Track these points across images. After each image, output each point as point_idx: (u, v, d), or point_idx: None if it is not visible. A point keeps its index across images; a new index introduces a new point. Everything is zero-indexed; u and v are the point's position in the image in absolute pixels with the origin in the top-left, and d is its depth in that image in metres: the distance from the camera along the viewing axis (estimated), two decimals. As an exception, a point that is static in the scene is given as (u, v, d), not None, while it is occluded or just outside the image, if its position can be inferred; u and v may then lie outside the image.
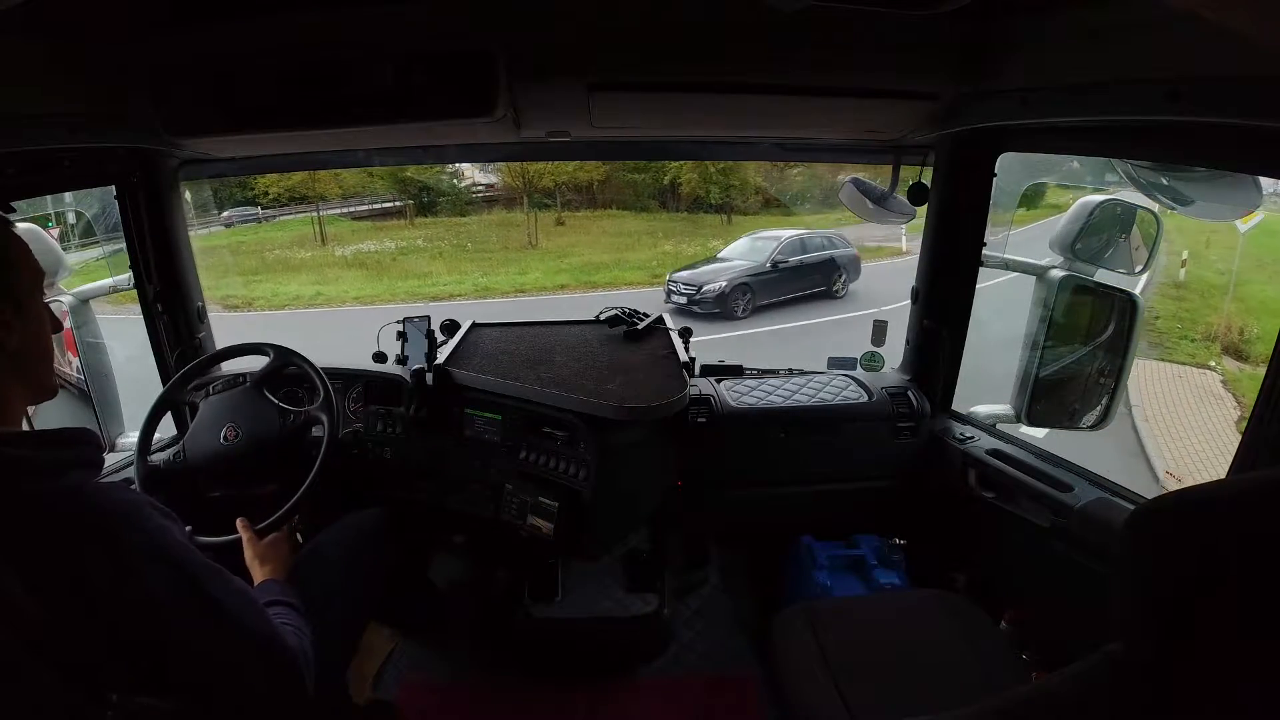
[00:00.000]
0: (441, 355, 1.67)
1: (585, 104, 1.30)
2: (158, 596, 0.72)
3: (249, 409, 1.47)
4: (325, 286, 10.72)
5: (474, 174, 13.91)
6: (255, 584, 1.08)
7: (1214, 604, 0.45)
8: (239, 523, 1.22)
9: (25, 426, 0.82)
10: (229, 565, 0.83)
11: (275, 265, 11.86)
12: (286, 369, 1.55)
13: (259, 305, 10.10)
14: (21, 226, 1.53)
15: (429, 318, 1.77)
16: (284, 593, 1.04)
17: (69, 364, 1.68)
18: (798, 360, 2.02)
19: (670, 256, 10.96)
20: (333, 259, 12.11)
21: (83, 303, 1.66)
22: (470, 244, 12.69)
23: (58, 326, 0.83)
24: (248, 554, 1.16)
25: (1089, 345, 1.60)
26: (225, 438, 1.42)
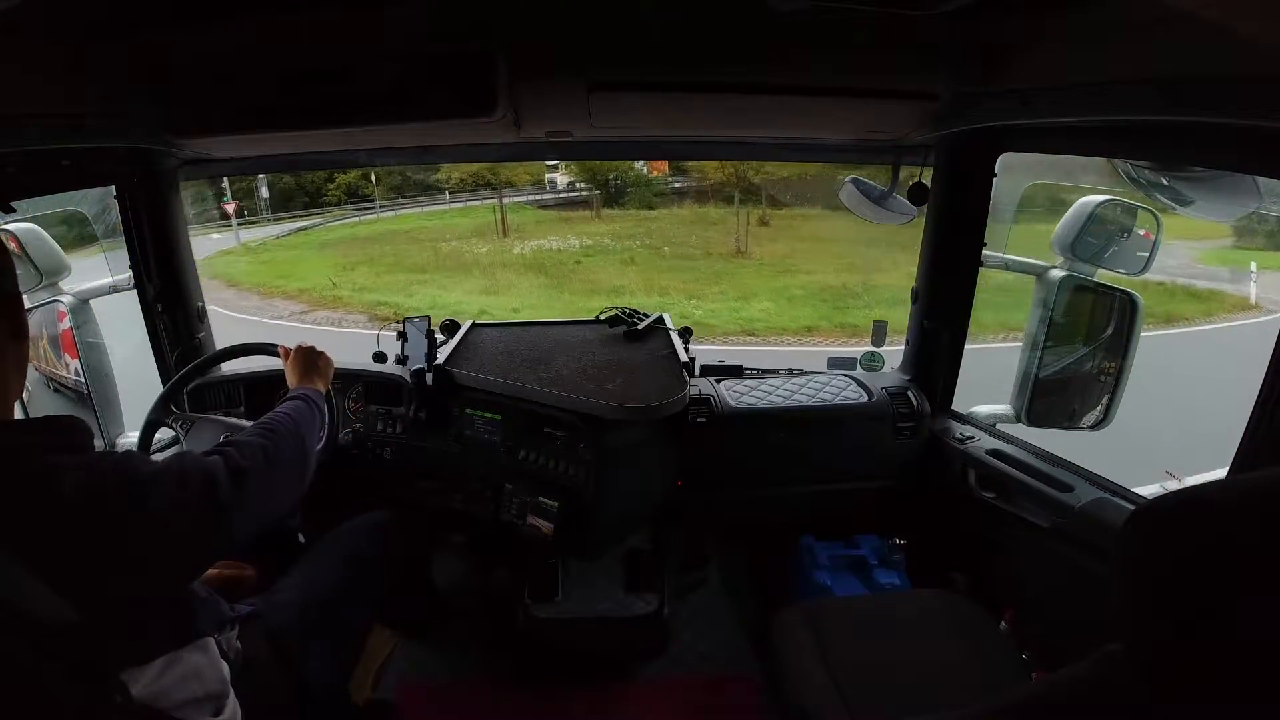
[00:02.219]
0: (441, 355, 1.67)
1: (585, 104, 1.30)
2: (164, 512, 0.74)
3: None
4: (494, 297, 8.97)
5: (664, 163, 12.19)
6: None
7: (1214, 604, 0.45)
8: (279, 347, 1.42)
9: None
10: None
11: (447, 259, 10.39)
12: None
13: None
14: (22, 226, 1.53)
15: (429, 318, 1.77)
16: (304, 391, 1.19)
17: (66, 366, 1.68)
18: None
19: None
20: (510, 258, 10.49)
21: (83, 303, 1.66)
22: (666, 247, 10.58)
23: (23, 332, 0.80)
24: (288, 374, 1.33)
25: (1089, 345, 1.60)
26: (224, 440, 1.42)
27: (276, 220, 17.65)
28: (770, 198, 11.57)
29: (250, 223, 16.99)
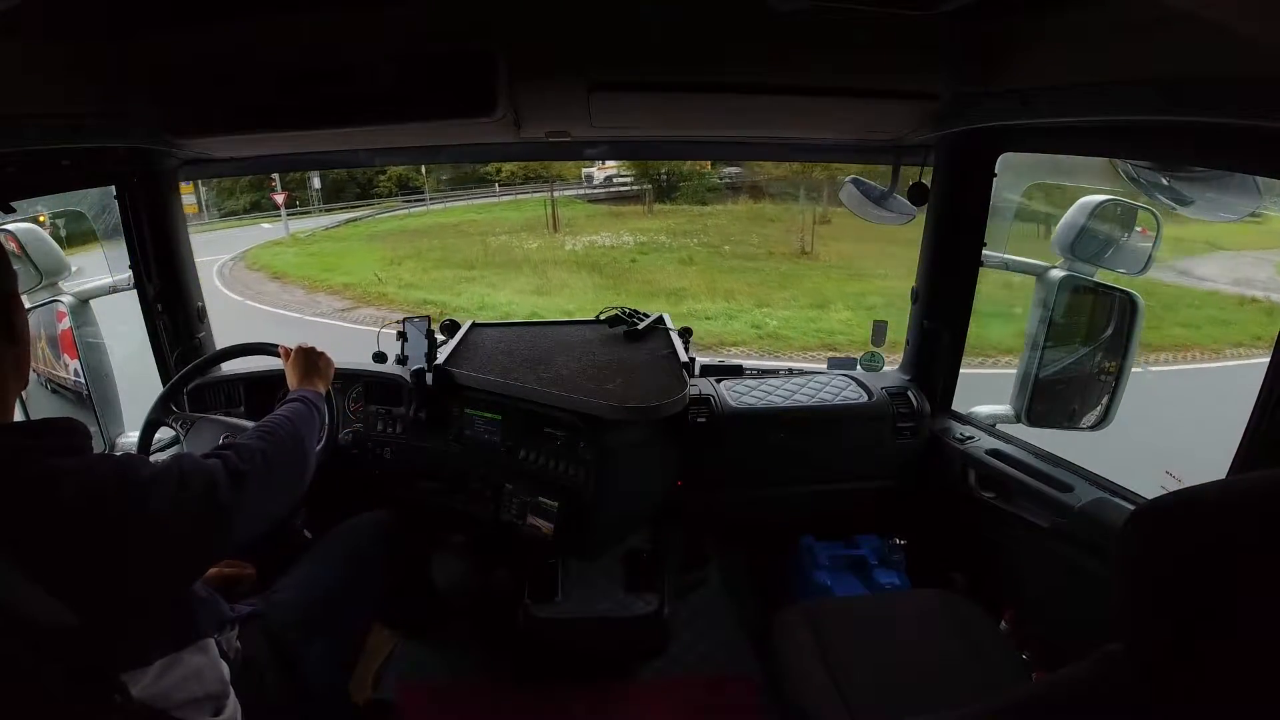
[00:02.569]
0: (441, 355, 1.67)
1: (585, 104, 1.30)
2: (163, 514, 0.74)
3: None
4: (545, 298, 8.27)
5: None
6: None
7: (1214, 604, 0.45)
8: (280, 347, 1.42)
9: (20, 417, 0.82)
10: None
11: (496, 255, 9.86)
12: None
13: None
14: (22, 226, 1.53)
15: (429, 318, 1.77)
16: (303, 393, 1.19)
17: (65, 367, 1.68)
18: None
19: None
20: (561, 255, 9.93)
21: (82, 303, 1.66)
22: (726, 245, 9.80)
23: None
24: (289, 375, 1.33)
25: (1089, 345, 1.60)
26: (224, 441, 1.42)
27: (328, 211, 17.77)
28: (832, 194, 10.86)
29: (301, 213, 17.11)
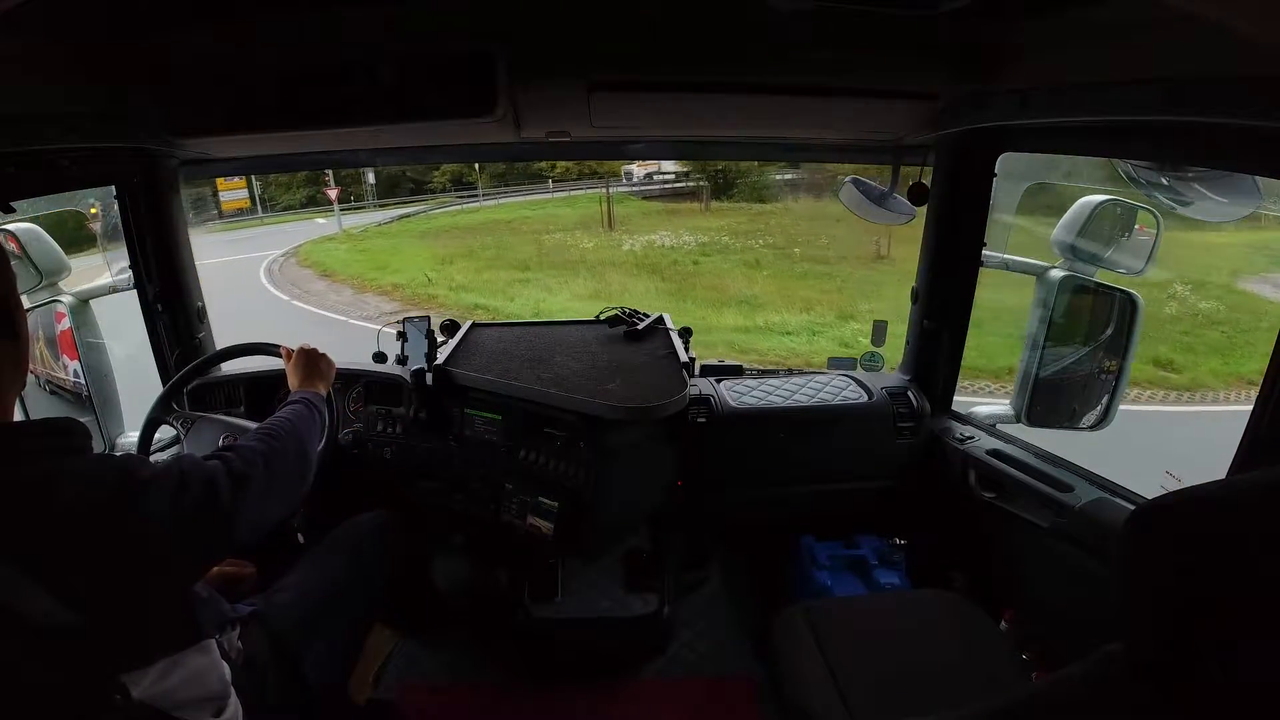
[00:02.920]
0: (441, 355, 1.67)
1: (585, 104, 1.30)
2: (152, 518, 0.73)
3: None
4: (605, 304, 7.67)
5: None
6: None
7: (1214, 604, 0.45)
8: (281, 348, 1.41)
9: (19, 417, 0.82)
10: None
11: (551, 254, 9.22)
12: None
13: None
14: (22, 226, 1.53)
15: (429, 317, 1.77)
16: (304, 394, 1.19)
17: (64, 369, 1.68)
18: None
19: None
20: (619, 255, 9.10)
21: (82, 303, 1.66)
22: (795, 248, 8.70)
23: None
24: (290, 377, 1.31)
25: (1089, 345, 1.60)
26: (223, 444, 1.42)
27: (381, 206, 17.68)
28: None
29: (355, 208, 17.01)
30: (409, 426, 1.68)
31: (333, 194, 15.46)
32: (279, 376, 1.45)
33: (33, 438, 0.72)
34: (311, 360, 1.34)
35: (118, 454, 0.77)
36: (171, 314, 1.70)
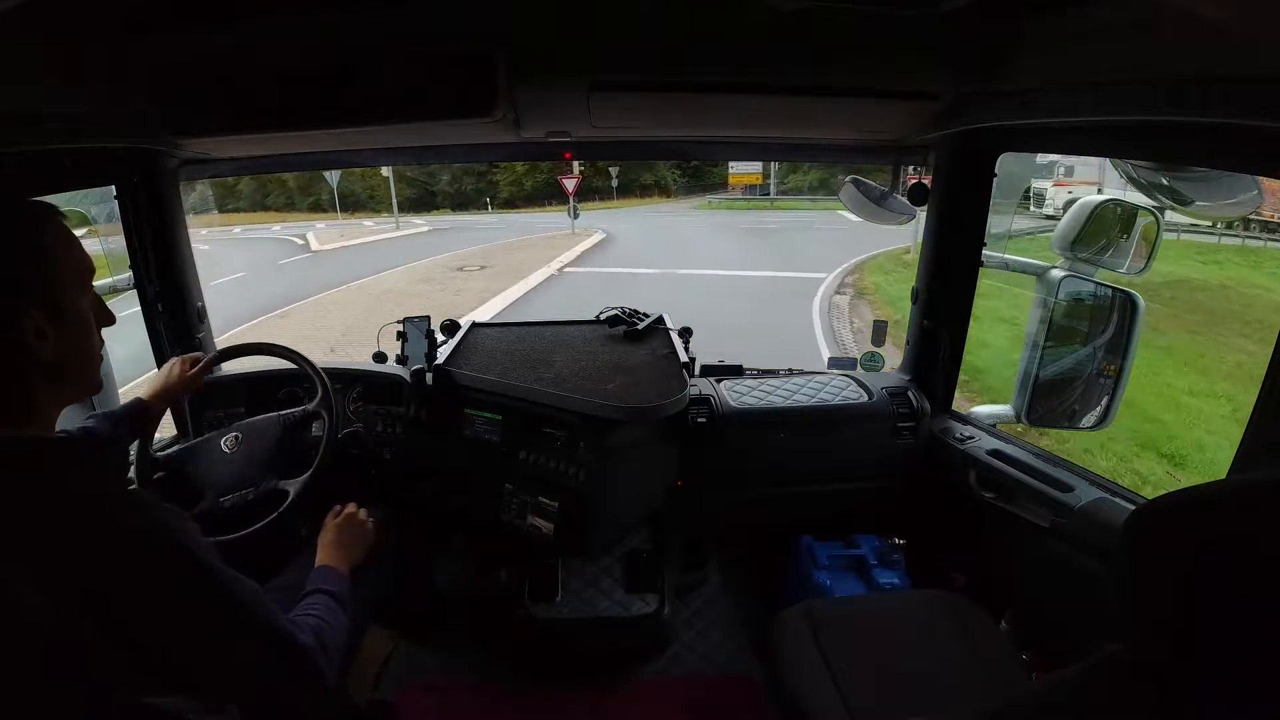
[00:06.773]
0: (441, 355, 1.67)
1: (585, 104, 1.30)
2: (171, 595, 0.71)
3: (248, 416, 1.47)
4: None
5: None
6: (316, 566, 1.10)
7: (1214, 604, 0.45)
8: (334, 509, 1.25)
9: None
10: (238, 566, 0.83)
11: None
12: (286, 368, 1.55)
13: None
14: None
15: (429, 317, 1.77)
16: (328, 580, 1.05)
17: None
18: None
19: None
20: None
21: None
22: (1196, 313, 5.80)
23: (108, 320, 0.79)
24: (321, 537, 1.18)
25: (1089, 345, 1.60)
26: (227, 445, 1.42)
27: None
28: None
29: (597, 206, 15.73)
30: (409, 426, 1.68)
31: (570, 186, 13.64)
32: (279, 376, 1.45)
33: (70, 452, 0.71)
34: (352, 528, 1.23)
35: (185, 520, 0.75)
36: (171, 314, 1.70)
